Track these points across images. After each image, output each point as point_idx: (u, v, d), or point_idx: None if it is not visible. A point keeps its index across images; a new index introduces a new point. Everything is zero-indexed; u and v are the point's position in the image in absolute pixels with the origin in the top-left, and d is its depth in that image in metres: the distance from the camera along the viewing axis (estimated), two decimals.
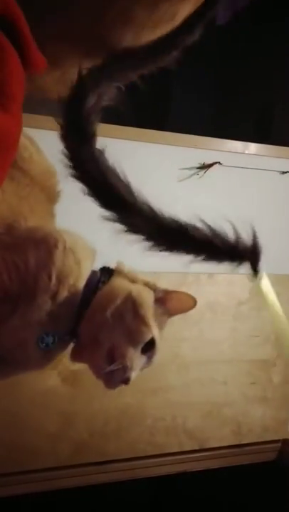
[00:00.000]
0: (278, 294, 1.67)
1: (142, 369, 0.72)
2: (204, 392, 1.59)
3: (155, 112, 3.86)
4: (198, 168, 1.53)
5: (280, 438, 1.74)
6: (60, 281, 0.65)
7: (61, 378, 1.39)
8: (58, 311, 0.66)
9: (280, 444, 1.75)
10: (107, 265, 0.77)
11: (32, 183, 0.75)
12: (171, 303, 0.77)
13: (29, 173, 0.75)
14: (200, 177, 1.54)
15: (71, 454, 1.44)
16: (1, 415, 1.34)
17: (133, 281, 0.75)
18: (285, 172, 1.65)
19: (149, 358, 0.72)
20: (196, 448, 1.62)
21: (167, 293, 0.76)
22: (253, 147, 1.61)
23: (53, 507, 1.55)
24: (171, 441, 1.58)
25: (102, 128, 1.54)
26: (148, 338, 0.70)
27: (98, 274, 0.72)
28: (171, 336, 1.52)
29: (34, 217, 0.72)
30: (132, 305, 0.69)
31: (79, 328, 0.68)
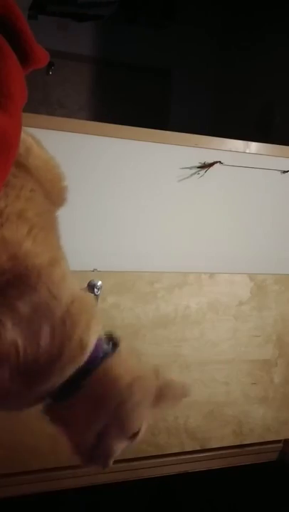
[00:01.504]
0: (278, 294, 1.66)
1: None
2: (206, 393, 1.59)
3: (155, 111, 3.86)
4: (198, 167, 1.53)
5: (282, 438, 1.74)
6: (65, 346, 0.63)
7: None
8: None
9: (281, 445, 1.74)
10: (111, 333, 0.72)
11: (32, 180, 0.70)
12: (167, 397, 0.70)
13: (29, 167, 0.70)
14: (200, 176, 1.54)
15: (72, 454, 1.44)
16: (1, 416, 1.33)
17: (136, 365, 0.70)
18: (286, 171, 1.64)
19: (131, 442, 0.70)
20: (198, 448, 1.61)
21: (167, 385, 0.69)
22: (253, 146, 1.60)
23: (53, 507, 1.54)
24: (173, 442, 1.58)
25: (102, 127, 1.54)
26: (137, 429, 0.68)
27: (104, 345, 0.68)
28: (173, 336, 1.52)
29: (38, 245, 0.66)
30: (134, 394, 0.65)
31: (72, 395, 0.65)
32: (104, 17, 3.39)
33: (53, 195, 0.75)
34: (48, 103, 3.82)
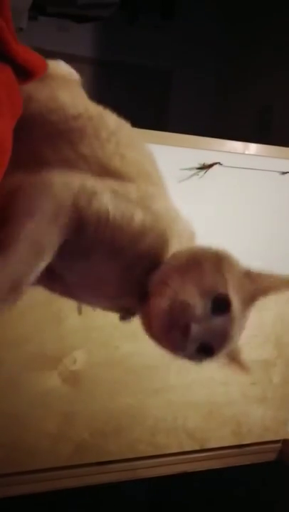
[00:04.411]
0: (278, 294, 1.67)
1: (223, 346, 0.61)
2: (204, 393, 1.59)
3: (155, 111, 3.86)
4: (198, 168, 1.53)
5: (280, 438, 1.74)
6: None
7: (61, 379, 1.39)
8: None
9: (280, 445, 1.75)
10: None
11: None
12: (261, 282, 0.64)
13: None
14: (200, 177, 1.54)
15: (71, 454, 1.44)
16: (1, 416, 1.34)
17: None
18: (285, 172, 1.65)
19: (224, 333, 0.60)
20: (197, 448, 1.62)
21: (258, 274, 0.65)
22: (253, 147, 1.61)
23: (53, 507, 1.55)
24: (172, 442, 1.58)
25: None
26: (219, 289, 0.59)
27: None
28: None
29: None
30: (216, 257, 0.63)
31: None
32: (104, 18, 3.39)
33: None
34: None
